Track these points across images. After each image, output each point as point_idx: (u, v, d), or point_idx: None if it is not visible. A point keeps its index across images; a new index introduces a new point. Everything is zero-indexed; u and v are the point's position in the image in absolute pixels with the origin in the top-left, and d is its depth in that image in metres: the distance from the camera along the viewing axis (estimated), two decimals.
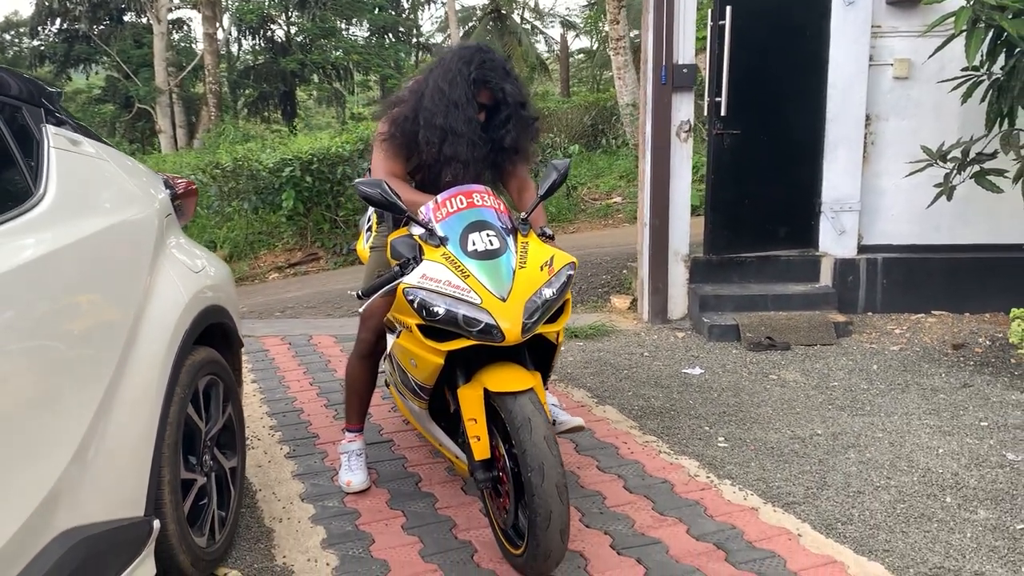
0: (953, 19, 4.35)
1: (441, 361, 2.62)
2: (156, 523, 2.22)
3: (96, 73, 34.10)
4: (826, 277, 5.69)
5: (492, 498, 2.76)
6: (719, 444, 3.69)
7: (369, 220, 3.55)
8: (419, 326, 2.61)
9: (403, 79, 30.54)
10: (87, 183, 2.35)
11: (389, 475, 3.37)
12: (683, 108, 5.49)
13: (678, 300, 5.72)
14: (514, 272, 2.63)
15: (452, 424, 2.96)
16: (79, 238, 2.09)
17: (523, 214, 2.94)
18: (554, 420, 3.15)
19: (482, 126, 2.98)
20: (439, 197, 2.82)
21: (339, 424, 3.93)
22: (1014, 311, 5.05)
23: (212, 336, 2.77)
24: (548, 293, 2.62)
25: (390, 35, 37.02)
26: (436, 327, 2.58)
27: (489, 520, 2.82)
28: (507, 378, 2.59)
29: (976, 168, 4.72)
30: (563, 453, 3.53)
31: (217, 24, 22.21)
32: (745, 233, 5.65)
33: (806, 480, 3.32)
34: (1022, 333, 4.78)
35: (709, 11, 5.46)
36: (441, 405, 2.98)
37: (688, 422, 3.95)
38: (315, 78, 34.45)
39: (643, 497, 3.16)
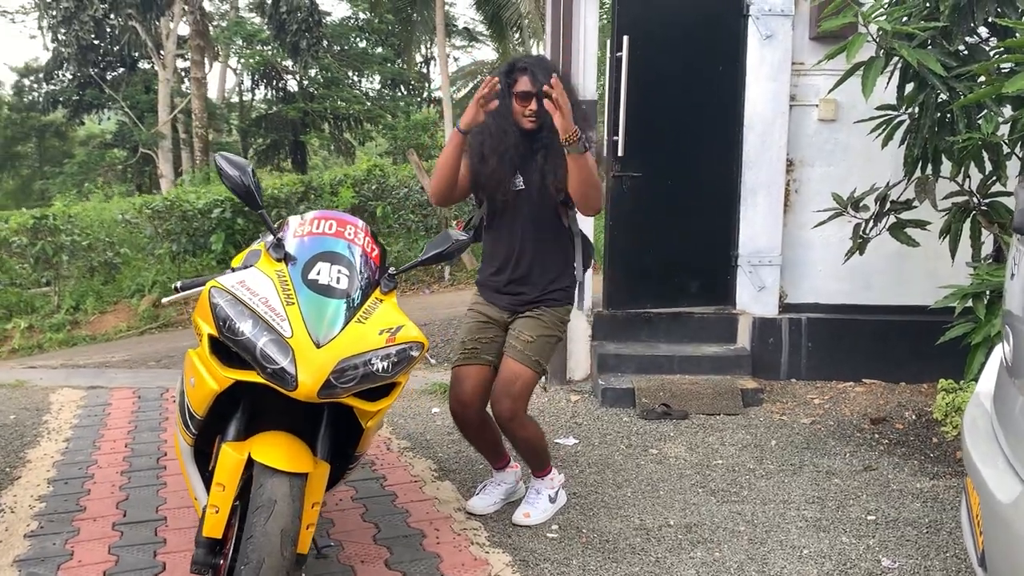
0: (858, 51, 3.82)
1: (218, 389, 2.16)
2: None
3: (108, 118, 34.45)
4: (744, 338, 5.09)
5: None
6: (548, 535, 3.10)
7: (259, 240, 2.92)
8: (211, 338, 2.15)
9: (403, 131, 30.40)
10: None
11: (128, 564, 2.81)
12: None
13: (580, 359, 5.14)
14: (347, 322, 2.19)
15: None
16: None
17: (393, 270, 2.49)
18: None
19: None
20: (312, 214, 2.45)
21: (120, 496, 3.38)
22: (942, 382, 4.43)
23: None
24: (378, 365, 2.17)
25: (401, 87, 37.09)
26: (230, 349, 2.12)
27: None
28: (282, 453, 2.12)
29: (892, 219, 4.15)
30: (355, 541, 2.98)
31: (207, 70, 22.29)
32: (651, 287, 5.08)
33: None
34: (946, 408, 4.16)
35: (608, 41, 4.99)
36: (210, 452, 2.46)
37: None
38: (325, 127, 34.49)
39: None
